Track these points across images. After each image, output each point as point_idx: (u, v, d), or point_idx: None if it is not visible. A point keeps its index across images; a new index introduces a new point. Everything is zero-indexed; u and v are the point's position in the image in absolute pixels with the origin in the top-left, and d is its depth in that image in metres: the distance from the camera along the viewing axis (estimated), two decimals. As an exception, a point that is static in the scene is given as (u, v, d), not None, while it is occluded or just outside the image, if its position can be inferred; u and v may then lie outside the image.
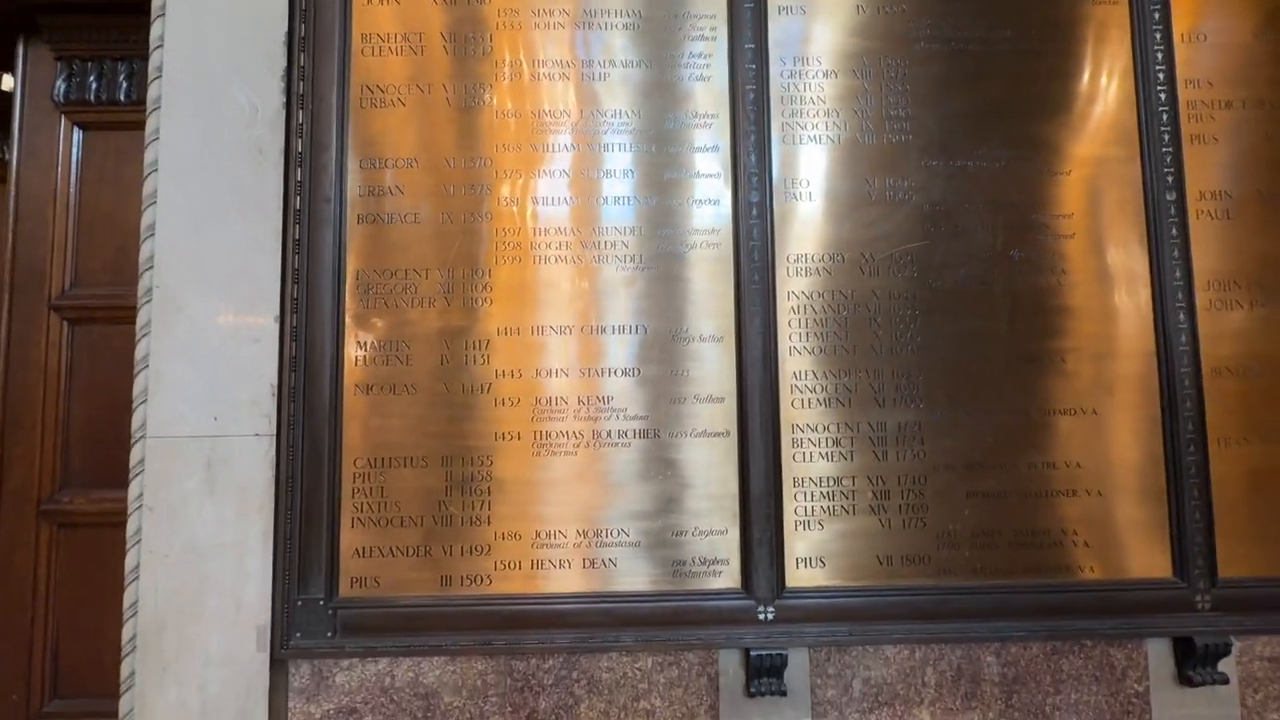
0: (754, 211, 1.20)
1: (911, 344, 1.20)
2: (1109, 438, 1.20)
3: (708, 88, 1.23)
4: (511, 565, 1.14)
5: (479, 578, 1.13)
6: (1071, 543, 1.18)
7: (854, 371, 1.19)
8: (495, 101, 1.22)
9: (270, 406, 1.13)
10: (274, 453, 1.12)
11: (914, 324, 1.20)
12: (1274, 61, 1.28)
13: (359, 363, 1.16)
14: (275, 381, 1.13)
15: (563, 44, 1.23)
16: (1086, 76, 1.26)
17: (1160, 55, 1.25)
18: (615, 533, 1.15)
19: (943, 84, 1.25)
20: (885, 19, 1.26)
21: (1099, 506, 1.18)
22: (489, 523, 1.14)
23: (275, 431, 1.13)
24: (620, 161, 1.22)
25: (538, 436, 1.16)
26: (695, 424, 1.17)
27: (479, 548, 1.14)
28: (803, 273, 1.21)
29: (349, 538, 1.13)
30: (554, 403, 1.17)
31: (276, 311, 1.14)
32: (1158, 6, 1.25)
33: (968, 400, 1.19)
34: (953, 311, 1.21)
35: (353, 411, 1.16)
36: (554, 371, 1.18)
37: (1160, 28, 1.25)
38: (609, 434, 1.17)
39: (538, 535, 1.15)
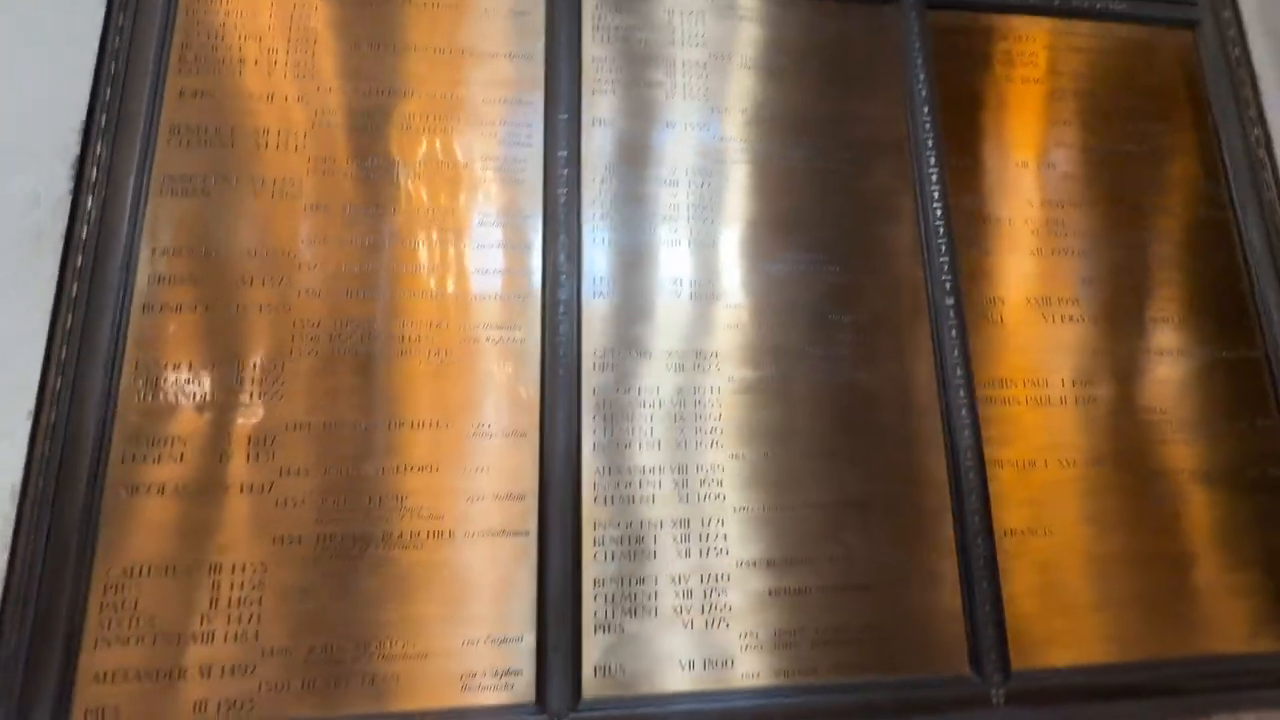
0: (561, 309, 1.23)
1: (716, 440, 1.23)
2: (904, 530, 1.24)
3: (523, 189, 1.29)
4: (280, 687, 1.04)
5: (240, 703, 1.03)
6: (869, 639, 1.18)
7: (658, 468, 1.20)
8: (305, 195, 1.22)
9: (10, 509, 1.03)
10: (6, 560, 1.01)
11: (718, 420, 1.24)
12: (1035, 185, 1.46)
13: (126, 460, 1.08)
14: (19, 482, 1.04)
15: (381, 141, 1.26)
16: (874, 191, 1.40)
17: (935, 176, 1.40)
18: (399, 643, 1.07)
19: (749, 194, 1.36)
20: (696, 134, 1.37)
21: (896, 600, 1.20)
22: (256, 638, 1.05)
23: (11, 539, 1.02)
24: (432, 256, 1.23)
25: (321, 540, 1.09)
26: (493, 522, 1.14)
27: (242, 668, 1.04)
28: (608, 368, 1.23)
29: (90, 659, 1.01)
30: (342, 502, 1.11)
31: (31, 405, 1.06)
32: (931, 135, 1.42)
33: (770, 495, 1.22)
34: (755, 407, 1.25)
35: (113, 515, 1.06)
36: (345, 469, 1.13)
37: (934, 153, 1.41)
38: (400, 535, 1.11)
39: (311, 651, 1.05)
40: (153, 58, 1.22)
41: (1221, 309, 1.44)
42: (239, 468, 1.10)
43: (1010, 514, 1.27)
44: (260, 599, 1.06)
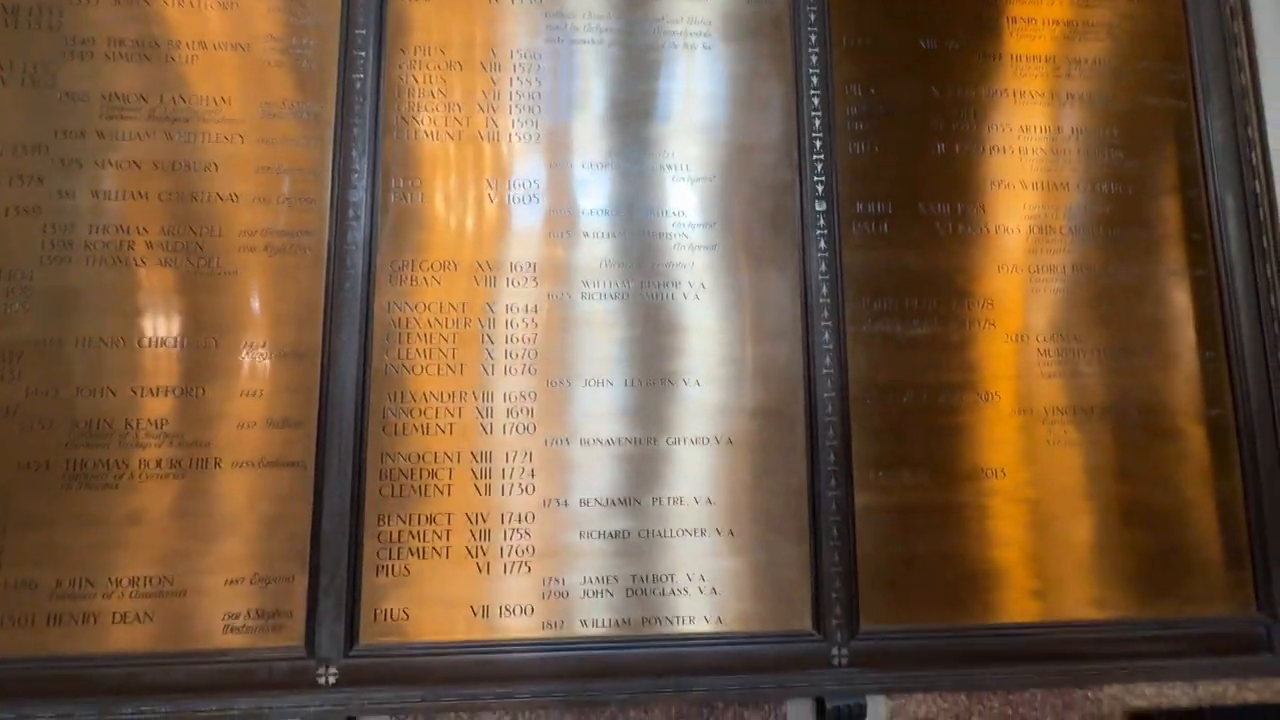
0: (352, 212, 1.07)
1: (529, 365, 1.08)
2: (746, 470, 1.08)
3: (314, 75, 1.11)
4: (23, 621, 0.96)
5: (-21, 637, 0.95)
6: (699, 590, 1.04)
7: (458, 395, 1.06)
8: (60, 82, 1.07)
9: None
10: None
11: (533, 341, 1.08)
12: (943, 67, 1.22)
13: None
14: None
15: (144, 21, 1.10)
16: (743, 77, 1.18)
17: (815, 58, 1.17)
18: (157, 580, 0.98)
19: (583, 82, 1.16)
20: (523, 7, 1.16)
21: (732, 548, 1.06)
22: (-4, 569, 0.96)
23: None
24: (205, 153, 1.07)
25: (70, 466, 0.99)
26: (264, 452, 1.02)
27: (-19, 601, 0.96)
28: (408, 281, 1.07)
29: None
30: (95, 426, 1.00)
31: None
32: (815, 8, 1.18)
33: (589, 428, 1.07)
34: (579, 330, 1.09)
35: None
36: (98, 390, 1.01)
37: (816, 30, 1.18)
38: (158, 463, 1.00)
39: (59, 584, 0.96)
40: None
41: (1166, 219, 1.21)
42: (-17, 387, 1.00)
43: (871, 452, 1.10)
44: (3, 529, 0.97)
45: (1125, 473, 1.14)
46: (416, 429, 1.04)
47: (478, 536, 1.03)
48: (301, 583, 1.00)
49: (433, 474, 1.03)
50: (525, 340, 1.08)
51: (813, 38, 1.17)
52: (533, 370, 1.07)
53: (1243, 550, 1.13)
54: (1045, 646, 1.07)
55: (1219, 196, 1.21)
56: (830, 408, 1.08)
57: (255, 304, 1.04)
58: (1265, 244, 1.18)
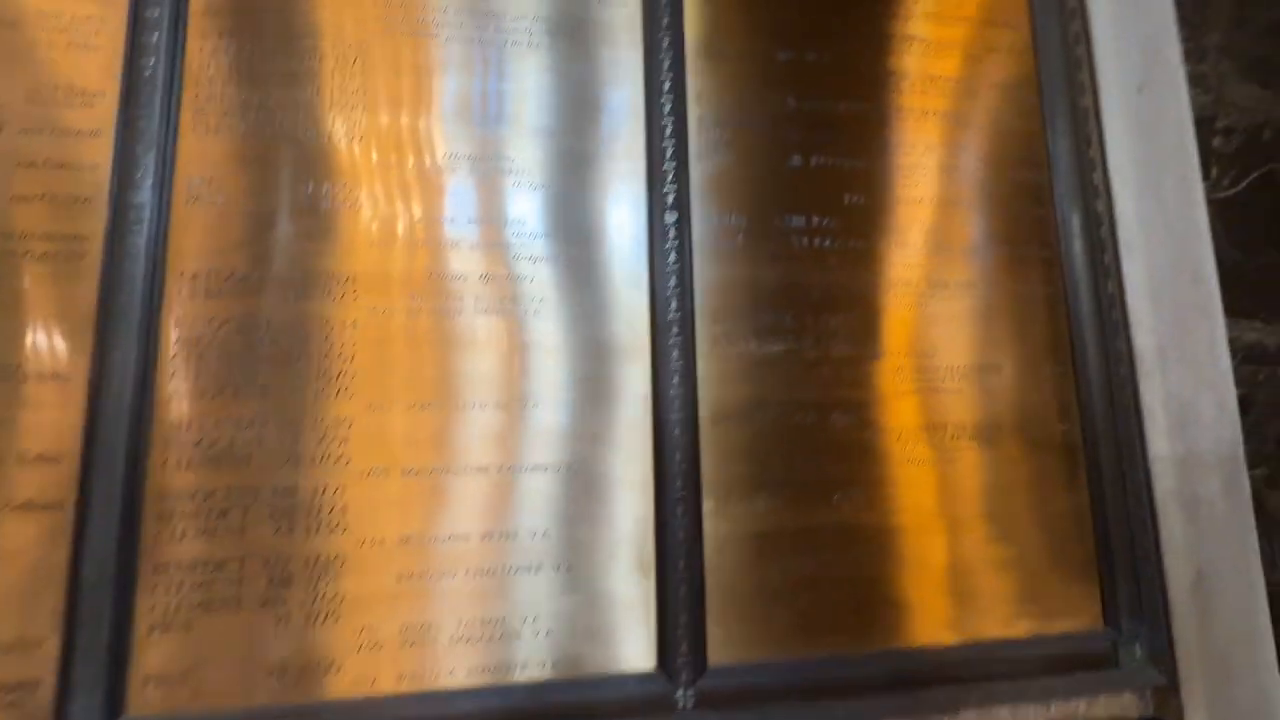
0: (134, 215, 0.94)
1: (344, 387, 0.97)
2: (587, 499, 1.00)
3: (94, 59, 0.98)
4: None
5: None
6: (533, 632, 0.96)
7: (259, 422, 0.94)
8: None
9: None
10: None
11: (351, 361, 0.98)
12: (801, 78, 1.20)
13: None
14: None
15: (-122, -13, 0.94)
16: (589, 82, 1.12)
17: (668, 64, 1.13)
18: None
19: (426, 74, 1.07)
20: (348, -1, 1.07)
21: (570, 585, 0.98)
22: None
23: None
24: (-45, 143, 0.93)
25: None
26: (16, 492, 0.87)
27: None
28: (203, 294, 0.95)
29: None
30: None
31: None
32: (668, 13, 1.14)
33: (415, 457, 0.97)
34: (403, 345, 0.99)
35: None
36: None
37: (669, 34, 1.14)
38: None
39: None
40: None
41: (1015, 233, 1.22)
42: None
43: (723, 477, 1.04)
44: None
45: (982, 491, 1.13)
46: (206, 462, 0.91)
47: (276, 583, 0.90)
48: (54, 646, 0.84)
49: (223, 514, 0.90)
50: (342, 360, 0.97)
51: (665, 42, 1.12)
52: (349, 393, 0.96)
53: (1090, 565, 1.14)
54: (900, 673, 1.04)
55: (1065, 215, 1.23)
56: (678, 430, 1.02)
57: (8, 319, 0.89)
58: (1107, 261, 1.20)
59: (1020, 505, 1.13)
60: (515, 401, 1.00)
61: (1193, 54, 1.21)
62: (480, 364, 1.00)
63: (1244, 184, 1.19)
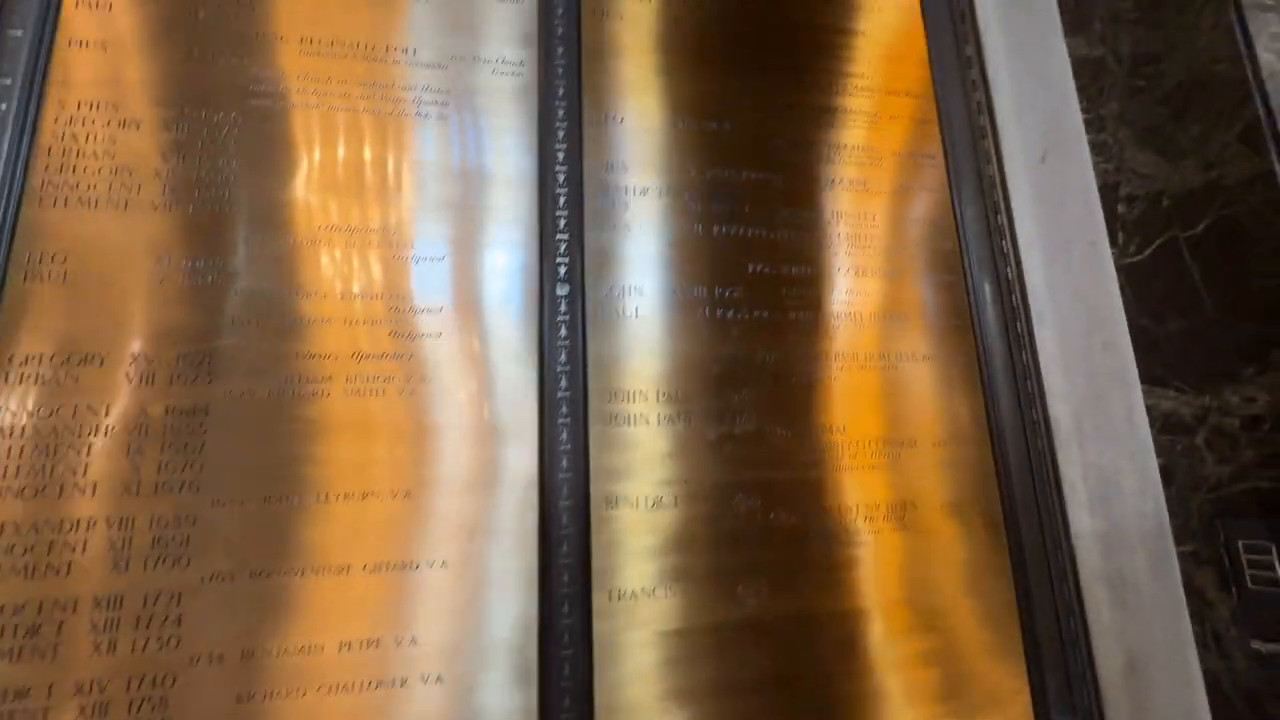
0: (-42, 294, 0.86)
1: (191, 480, 0.88)
2: (463, 600, 0.91)
3: (-67, 128, 0.92)
4: None
5: None
6: (395, 757, 0.85)
7: (90, 522, 0.84)
8: None
9: None
10: None
11: (199, 452, 0.89)
12: (702, 148, 1.18)
13: None
14: None
15: None
16: (487, 150, 1.09)
17: (563, 133, 1.10)
18: None
19: (289, 150, 1.02)
20: (229, 63, 1.03)
21: (441, 698, 0.87)
22: None
23: None
24: None
25: None
26: None
27: None
28: (30, 380, 0.86)
29: None
30: None
31: None
32: (564, 82, 1.12)
33: (264, 559, 0.88)
34: (261, 433, 0.91)
35: None
36: None
37: (565, 104, 1.12)
38: None
39: None
40: None
41: (930, 306, 1.20)
42: None
43: (622, 570, 0.97)
44: None
45: (901, 576, 1.06)
46: (16, 572, 0.81)
47: (91, 712, 0.79)
48: None
49: (32, 631, 0.80)
50: (189, 451, 0.88)
51: (561, 112, 1.10)
52: (194, 487, 0.87)
53: (1018, 653, 1.07)
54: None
55: (977, 283, 1.21)
56: (565, 519, 0.95)
57: None
58: (1020, 330, 1.18)
59: (942, 590, 1.06)
60: (383, 491, 0.91)
61: (1093, 123, 1.22)
62: (347, 450, 0.92)
63: (1149, 251, 1.18)
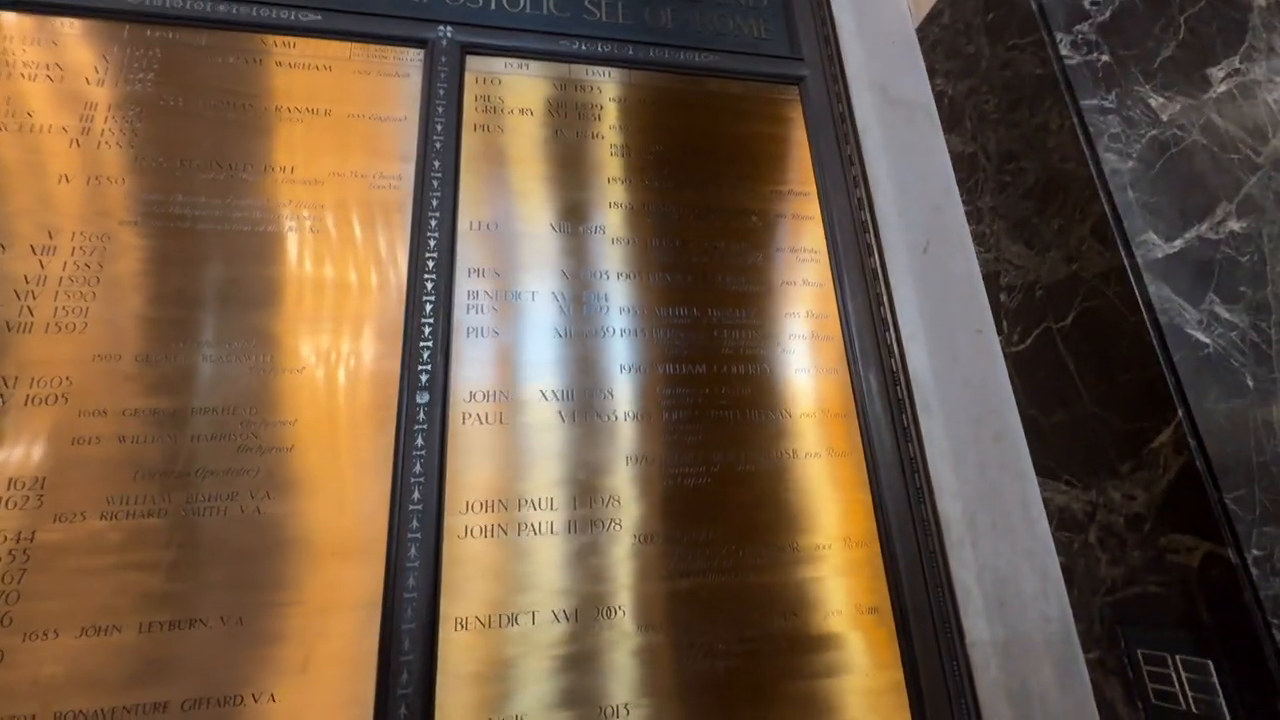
0: None
1: (5, 613, 0.84)
2: (290, 738, 0.85)
3: None
4: None
5: None
6: None
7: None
8: None
9: None
10: None
11: (17, 582, 0.84)
12: (577, 250, 1.20)
13: None
14: None
15: None
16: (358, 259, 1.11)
17: (434, 242, 1.13)
18: None
19: (180, 261, 1.04)
20: (96, 188, 1.06)
21: None
22: None
23: None
24: None
25: None
26: None
27: None
28: None
29: None
30: None
31: None
32: (439, 194, 1.16)
33: (79, 697, 0.82)
34: (88, 560, 0.87)
35: None
36: None
37: (438, 215, 1.15)
38: None
39: None
40: None
41: (812, 399, 1.18)
42: None
43: (463, 703, 0.90)
44: None
45: (775, 697, 0.99)
46: None
47: None
48: None
49: None
50: (7, 580, 0.85)
51: (433, 222, 1.13)
52: (7, 621, 0.83)
53: (916, 783, 0.98)
54: None
55: (863, 376, 1.20)
56: (407, 644, 0.89)
57: None
58: (906, 422, 1.16)
59: (829, 710, 0.99)
60: (213, 617, 0.87)
61: (973, 215, 1.24)
62: (178, 575, 0.88)
63: (1030, 340, 1.18)
